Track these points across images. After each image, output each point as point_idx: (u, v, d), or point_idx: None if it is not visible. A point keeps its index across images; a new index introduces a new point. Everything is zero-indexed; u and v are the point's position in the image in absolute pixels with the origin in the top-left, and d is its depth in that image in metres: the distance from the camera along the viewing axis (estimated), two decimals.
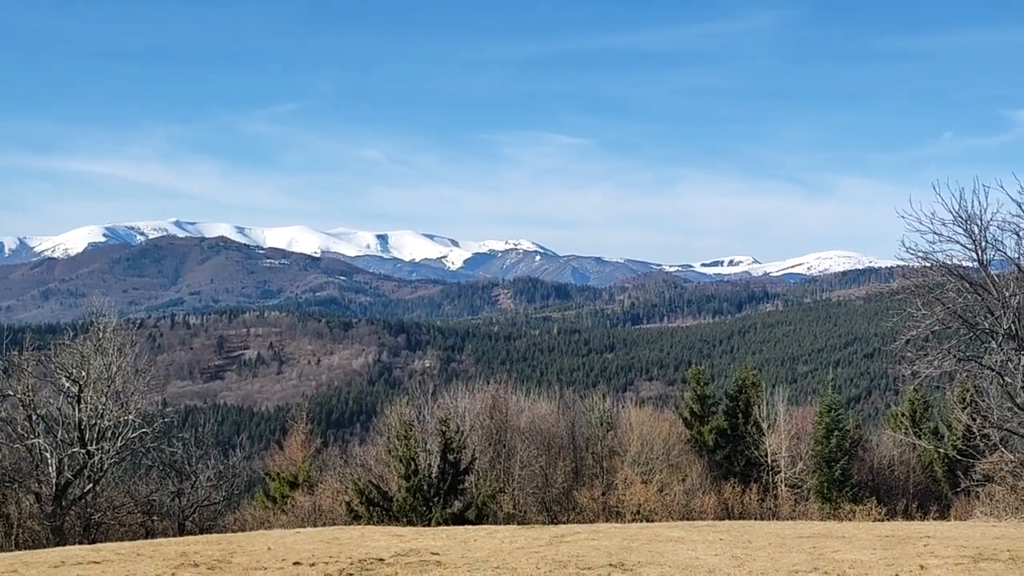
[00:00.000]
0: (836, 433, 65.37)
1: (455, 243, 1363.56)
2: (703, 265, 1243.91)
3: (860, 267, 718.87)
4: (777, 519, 52.63)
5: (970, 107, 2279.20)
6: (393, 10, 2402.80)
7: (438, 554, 21.77)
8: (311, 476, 58.13)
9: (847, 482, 64.36)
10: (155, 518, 47.39)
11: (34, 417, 41.34)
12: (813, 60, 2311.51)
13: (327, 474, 58.17)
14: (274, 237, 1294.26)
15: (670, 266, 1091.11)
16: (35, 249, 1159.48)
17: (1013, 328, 30.98)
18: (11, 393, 41.53)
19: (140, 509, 46.40)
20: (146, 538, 37.41)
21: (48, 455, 40.59)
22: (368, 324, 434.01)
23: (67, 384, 41.48)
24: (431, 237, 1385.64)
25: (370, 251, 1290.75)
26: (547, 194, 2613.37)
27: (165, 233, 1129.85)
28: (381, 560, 21.00)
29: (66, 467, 41.07)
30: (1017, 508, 35.22)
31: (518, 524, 39.38)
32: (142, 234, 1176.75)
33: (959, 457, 49.83)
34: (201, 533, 42.00)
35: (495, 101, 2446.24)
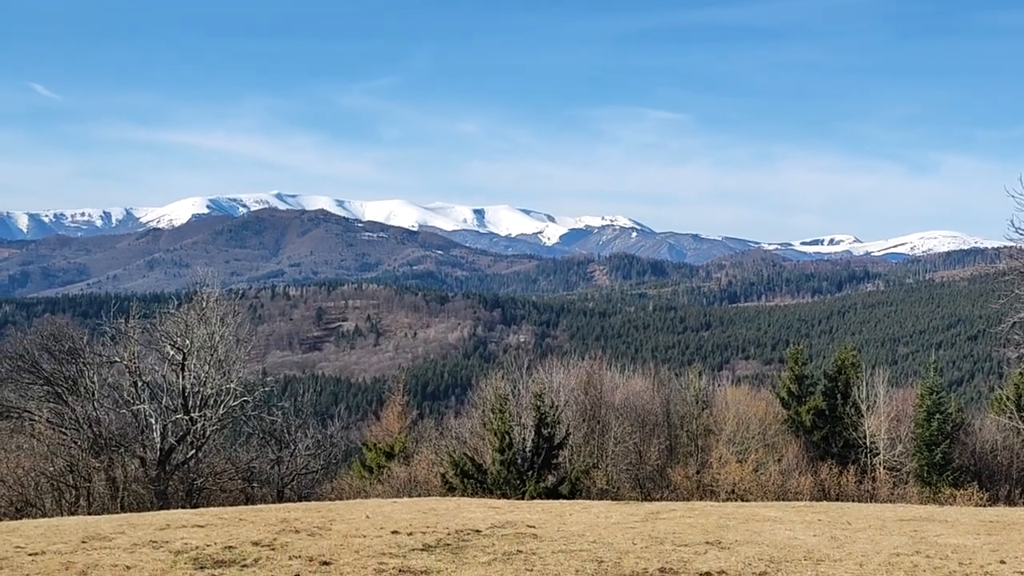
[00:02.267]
0: (937, 416, 64.09)
1: (551, 218, 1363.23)
2: (803, 243, 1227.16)
3: (965, 247, 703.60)
4: (875, 502, 51.86)
5: None
6: None
7: (534, 527, 21.86)
8: (407, 447, 58.72)
9: (948, 466, 63.11)
10: (255, 485, 48.29)
11: (139, 384, 42.40)
12: (917, 35, 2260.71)
13: (422, 446, 58.71)
14: (373, 210, 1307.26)
15: (769, 244, 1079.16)
16: (141, 220, 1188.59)
17: None
18: (118, 360, 42.66)
19: (240, 475, 47.31)
20: (246, 504, 38.19)
21: (153, 421, 41.62)
22: (464, 298, 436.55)
23: (171, 352, 42.43)
24: (527, 212, 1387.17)
25: (467, 225, 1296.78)
26: (643, 170, 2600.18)
27: (266, 205, 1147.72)
28: (478, 531, 21.16)
29: (170, 433, 42.09)
30: None
31: (612, 500, 39.36)
32: (244, 206, 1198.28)
33: None
34: (299, 500, 42.73)
35: (592, 76, 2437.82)
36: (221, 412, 42.99)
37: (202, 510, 27.57)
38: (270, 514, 24.33)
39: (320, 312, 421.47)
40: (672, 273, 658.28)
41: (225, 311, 44.21)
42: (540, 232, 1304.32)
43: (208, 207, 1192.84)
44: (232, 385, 43.12)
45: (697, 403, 60.76)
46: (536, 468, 45.41)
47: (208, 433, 43.56)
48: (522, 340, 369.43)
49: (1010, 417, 62.51)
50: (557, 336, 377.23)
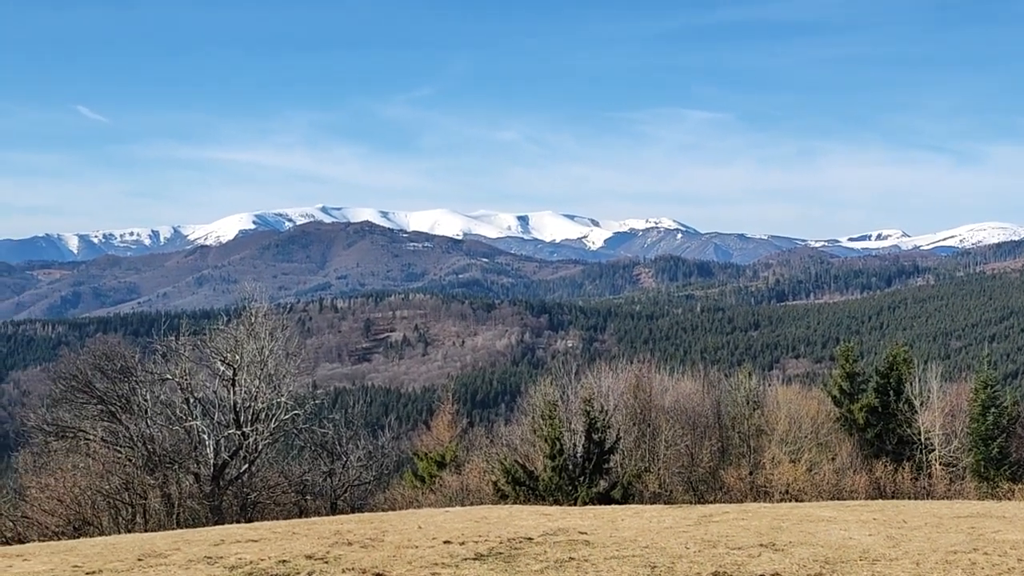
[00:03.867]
0: (993, 410, 63.31)
1: (595, 223, 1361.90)
2: (850, 239, 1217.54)
3: (1016, 238, 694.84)
4: (932, 498, 51.29)
5: None
6: None
7: (586, 533, 21.82)
8: (458, 456, 58.80)
9: (1005, 460, 62.30)
10: (308, 497, 48.52)
11: (191, 400, 42.78)
12: (959, 23, 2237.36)
13: (473, 454, 58.77)
14: (417, 220, 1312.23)
15: (815, 241, 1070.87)
16: (188, 237, 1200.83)
17: None
18: (170, 377, 43.08)
19: (294, 489, 47.56)
20: (300, 517, 38.40)
21: (206, 437, 41.96)
22: (510, 305, 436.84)
23: (222, 368, 42.77)
24: (571, 217, 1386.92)
25: (511, 232, 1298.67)
26: (686, 171, 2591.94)
27: (312, 219, 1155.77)
28: (530, 539, 21.15)
29: (223, 448, 42.40)
30: None
31: (664, 504, 39.21)
32: (290, 220, 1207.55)
33: None
34: (352, 512, 42.88)
35: (630, 78, 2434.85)
36: (273, 426, 43.27)
37: (256, 524, 27.76)
38: (323, 527, 24.45)
39: (368, 323, 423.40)
40: (718, 273, 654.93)
41: (274, 325, 44.53)
42: (584, 237, 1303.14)
43: (254, 222, 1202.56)
44: (283, 399, 43.40)
45: (748, 404, 60.35)
46: (587, 473, 45.34)
47: (260, 447, 43.84)
48: (570, 345, 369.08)
49: None
50: (605, 340, 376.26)
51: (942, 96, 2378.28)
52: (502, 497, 44.80)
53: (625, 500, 43.41)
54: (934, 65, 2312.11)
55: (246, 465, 43.22)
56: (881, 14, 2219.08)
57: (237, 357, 42.58)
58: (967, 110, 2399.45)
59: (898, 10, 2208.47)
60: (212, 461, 41.78)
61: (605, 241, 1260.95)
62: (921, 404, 63.68)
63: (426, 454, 60.36)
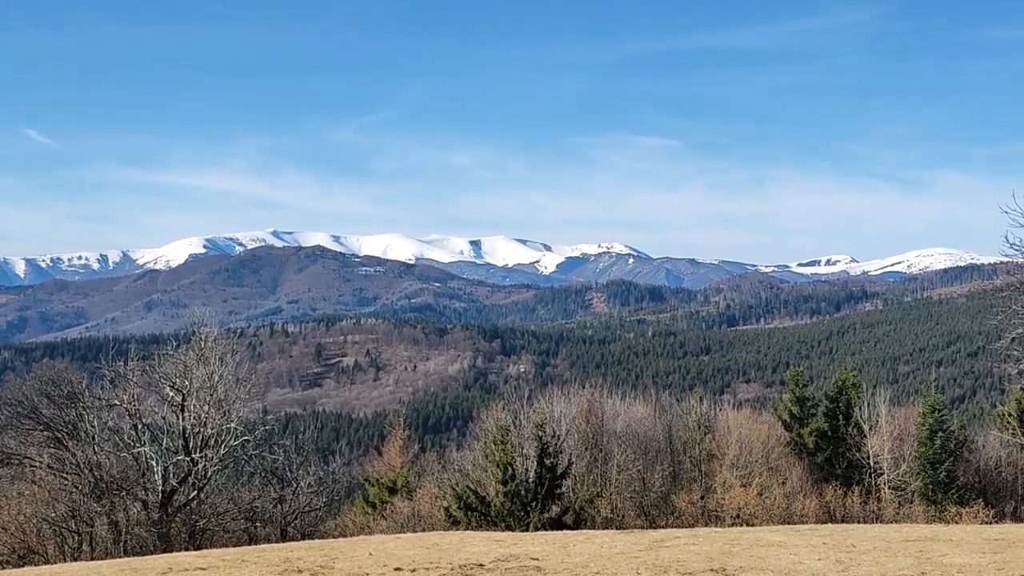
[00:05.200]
0: (940, 434, 63.99)
1: (547, 247, 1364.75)
2: (799, 265, 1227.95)
3: (962, 264, 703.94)
4: (881, 522, 51.69)
5: None
6: (479, 16, 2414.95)
7: (538, 559, 21.76)
8: (409, 481, 58.54)
9: (953, 484, 62.94)
10: (258, 524, 48.12)
11: (140, 426, 42.32)
12: (908, 54, 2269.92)
13: (425, 479, 58.53)
14: (369, 245, 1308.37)
15: (766, 267, 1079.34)
16: (138, 261, 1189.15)
17: None
18: (118, 403, 42.59)
19: (243, 515, 47.14)
20: (250, 544, 38.02)
21: (154, 463, 41.49)
22: (463, 330, 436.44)
23: (171, 393, 42.36)
24: (523, 242, 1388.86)
25: (463, 257, 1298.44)
26: (638, 197, 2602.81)
27: (263, 243, 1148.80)
28: (481, 565, 21.06)
29: (171, 474, 41.94)
30: None
31: (616, 529, 39.20)
32: (241, 244, 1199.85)
33: None
34: (303, 539, 42.55)
35: (583, 105, 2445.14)
36: (222, 452, 42.87)
37: (205, 552, 27.44)
38: (273, 554, 24.21)
39: (319, 348, 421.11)
40: (670, 298, 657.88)
41: (224, 350, 44.16)
42: (537, 261, 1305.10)
43: (205, 247, 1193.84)
44: (233, 424, 43.02)
45: (699, 428, 60.56)
46: (540, 499, 45.23)
47: (210, 474, 43.42)
48: (522, 370, 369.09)
49: (1013, 433, 62.36)
50: (557, 365, 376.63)
51: (890, 125, 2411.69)
52: (454, 523, 44.60)
53: (577, 525, 43.35)
54: (882, 94, 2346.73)
55: (195, 492, 42.77)
56: (831, 44, 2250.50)
57: (186, 382, 42.20)
58: (914, 139, 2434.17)
59: (848, 41, 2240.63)
60: (160, 488, 41.30)
61: (557, 266, 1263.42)
62: (870, 428, 64.22)
63: (377, 480, 60.03)
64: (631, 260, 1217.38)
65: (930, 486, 62.57)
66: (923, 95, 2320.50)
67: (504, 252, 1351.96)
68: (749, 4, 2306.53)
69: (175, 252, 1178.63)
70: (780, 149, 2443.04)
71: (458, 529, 40.93)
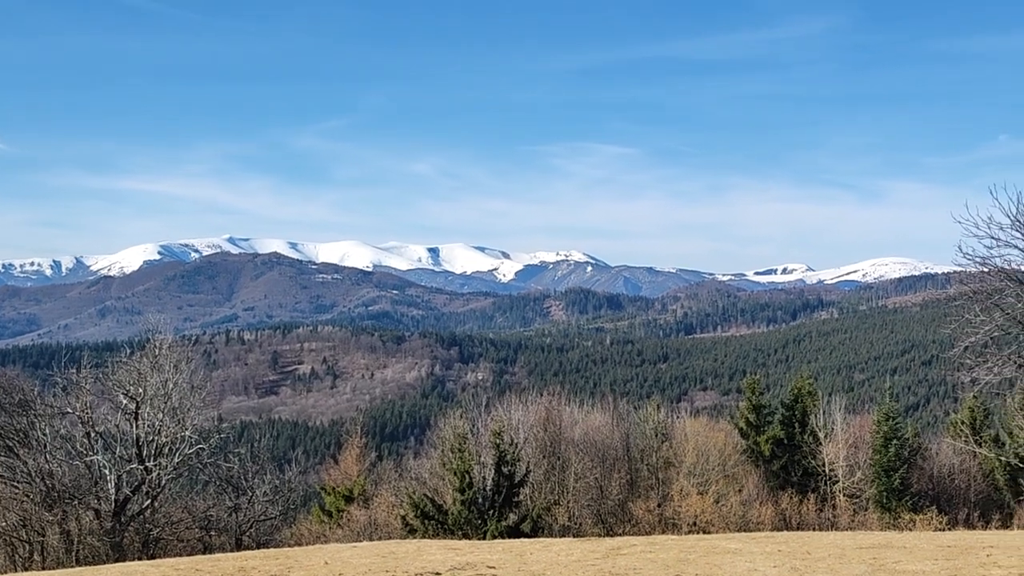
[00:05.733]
0: (895, 442, 64.57)
1: (506, 255, 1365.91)
2: (756, 273, 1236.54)
3: (916, 273, 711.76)
4: (836, 529, 52.02)
5: None
6: (439, 23, 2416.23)
7: (494, 567, 21.70)
8: (366, 490, 58.24)
9: (907, 491, 63.52)
10: (212, 533, 47.73)
11: (93, 434, 41.83)
12: (864, 65, 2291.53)
13: (382, 488, 58.27)
14: (326, 252, 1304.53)
15: (723, 275, 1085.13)
16: (91, 268, 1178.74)
17: None
18: (70, 410, 42.09)
19: (198, 524, 46.76)
20: (204, 553, 37.70)
21: (107, 472, 41.04)
22: (421, 337, 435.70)
23: (125, 401, 41.93)
24: (482, 250, 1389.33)
25: (422, 264, 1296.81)
26: (597, 205, 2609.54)
27: (219, 250, 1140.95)
28: (438, 574, 20.98)
29: (125, 483, 41.50)
30: None
31: (573, 537, 39.22)
32: (196, 251, 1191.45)
33: (1021, 465, 49.07)
34: (258, 548, 42.26)
35: (542, 112, 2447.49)
36: (176, 460, 42.47)
37: (158, 561, 27.15)
38: (227, 563, 23.99)
39: (275, 356, 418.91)
40: (628, 306, 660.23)
41: (179, 358, 43.80)
42: (495, 269, 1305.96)
43: (160, 253, 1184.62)
44: (187, 433, 42.62)
45: (656, 436, 60.71)
46: (497, 507, 45.17)
47: (163, 482, 43.02)
48: (480, 378, 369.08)
49: (966, 441, 63.05)
50: (515, 373, 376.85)
51: (847, 135, 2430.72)
52: (411, 531, 44.44)
53: (534, 533, 43.34)
54: (839, 104, 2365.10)
55: (149, 500, 42.34)
56: (789, 54, 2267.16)
57: (140, 390, 41.79)
58: (870, 149, 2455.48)
59: (805, 51, 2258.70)
60: (113, 496, 40.86)
61: (516, 274, 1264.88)
62: (825, 436, 64.70)
63: (334, 488, 59.68)
64: (589, 268, 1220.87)
65: (884, 493, 63.11)
66: (879, 105, 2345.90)
67: (463, 260, 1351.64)
68: (708, 14, 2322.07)
69: (130, 258, 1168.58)
70: (738, 158, 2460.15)
71: (415, 538, 40.77)
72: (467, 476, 44.90)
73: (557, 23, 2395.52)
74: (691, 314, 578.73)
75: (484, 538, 39.81)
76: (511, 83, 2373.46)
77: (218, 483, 50.25)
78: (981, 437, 67.51)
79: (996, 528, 53.77)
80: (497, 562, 22.63)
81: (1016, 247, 31.05)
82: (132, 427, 41.85)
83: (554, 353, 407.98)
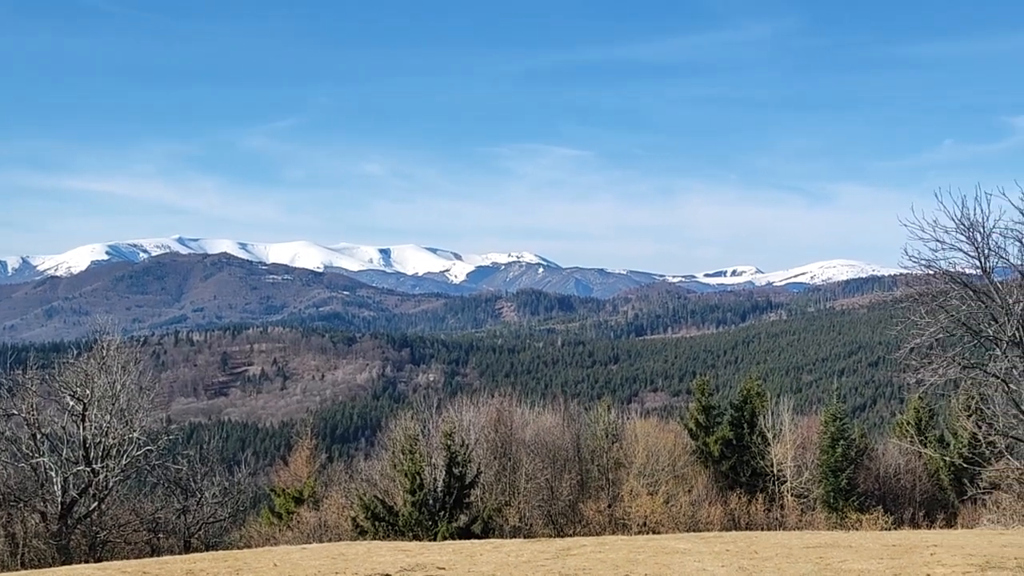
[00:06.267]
0: (842, 442, 65.30)
1: (458, 256, 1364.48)
2: (706, 275, 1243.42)
3: (863, 276, 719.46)
4: (784, 529, 52.51)
5: (970, 114, 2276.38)
6: (390, 24, 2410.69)
7: (444, 568, 21.71)
8: (316, 492, 58.03)
9: (853, 491, 64.24)
10: (161, 536, 47.34)
11: (39, 436, 41.33)
12: (812, 69, 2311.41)
13: (332, 489, 58.07)
14: (277, 252, 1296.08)
15: (673, 277, 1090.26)
16: (38, 268, 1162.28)
17: (1017, 335, 30.94)
18: (16, 412, 41.55)
19: (146, 527, 46.36)
20: (152, 556, 37.37)
21: (53, 474, 40.58)
22: (372, 339, 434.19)
23: (71, 403, 41.48)
24: (434, 251, 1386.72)
25: (373, 265, 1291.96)
26: (549, 206, 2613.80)
27: (168, 250, 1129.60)
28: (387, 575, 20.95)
29: (71, 485, 41.04)
30: None
31: (524, 538, 39.28)
32: (145, 251, 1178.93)
33: (965, 465, 49.76)
34: (207, 550, 41.92)
35: (495, 114, 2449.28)
36: (124, 462, 42.09)
37: (105, 564, 26.89)
38: (175, 566, 23.81)
39: (225, 357, 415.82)
40: (579, 307, 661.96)
41: (127, 359, 43.40)
42: (447, 270, 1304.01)
43: (107, 253, 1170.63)
44: (135, 434, 42.25)
45: (607, 437, 61.01)
46: (448, 508, 45.19)
47: (111, 484, 42.61)
48: (431, 379, 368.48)
49: (911, 441, 63.84)
50: (467, 374, 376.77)
51: (795, 138, 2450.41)
52: (361, 533, 44.35)
53: (485, 534, 43.38)
54: (787, 108, 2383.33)
55: (96, 503, 41.91)
56: (739, 57, 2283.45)
57: (87, 391, 41.37)
58: (818, 152, 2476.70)
59: (755, 54, 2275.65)
60: (60, 499, 40.41)
61: (468, 275, 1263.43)
62: (774, 437, 65.29)
63: (284, 490, 59.42)
64: (541, 270, 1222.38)
65: (831, 493, 63.81)
66: (827, 109, 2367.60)
67: (414, 261, 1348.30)
68: (659, 17, 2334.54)
69: (77, 258, 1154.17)
70: (689, 161, 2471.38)
71: (365, 539, 40.67)
72: (418, 477, 44.89)
73: (508, 25, 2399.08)
74: (642, 315, 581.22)
75: (435, 539, 39.80)
76: (463, 84, 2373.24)
77: (166, 485, 49.86)
78: (926, 437, 68.42)
79: (940, 527, 54.58)
80: (447, 563, 22.65)
81: (960, 250, 31.57)
82: (79, 429, 41.40)
83: (505, 354, 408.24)
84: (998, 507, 43.97)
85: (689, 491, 58.12)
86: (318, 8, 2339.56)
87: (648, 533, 45.73)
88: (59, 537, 39.44)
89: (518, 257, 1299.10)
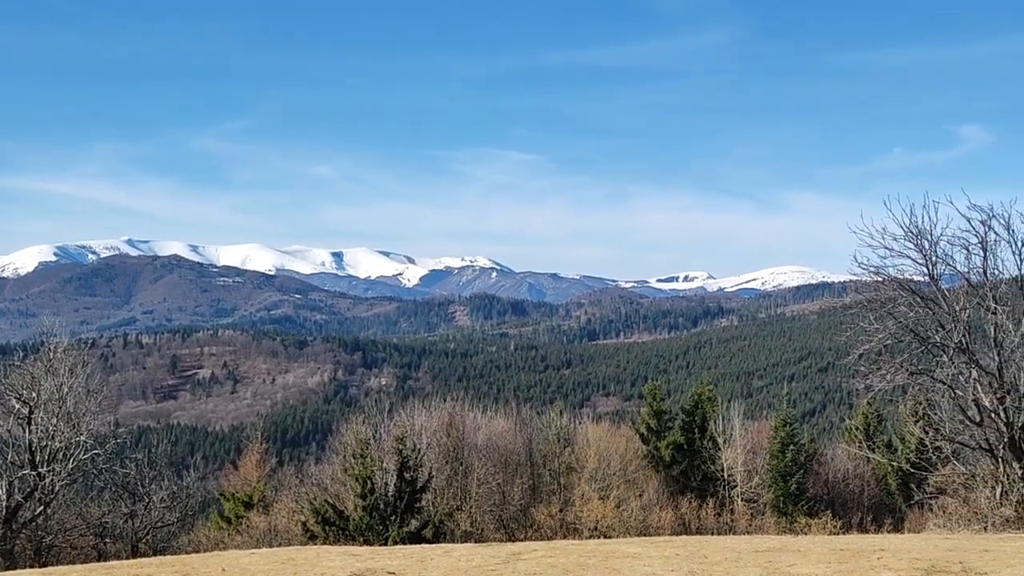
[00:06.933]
0: (791, 447, 65.78)
1: (411, 260, 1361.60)
2: (659, 281, 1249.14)
3: (814, 282, 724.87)
4: (734, 533, 52.79)
5: (919, 122, 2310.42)
6: (344, 27, 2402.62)
7: (394, 573, 21.62)
8: (266, 496, 57.66)
9: (802, 496, 64.73)
10: (108, 540, 46.85)
11: None
12: (763, 76, 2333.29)
13: (282, 494, 57.72)
14: (228, 255, 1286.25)
15: (626, 282, 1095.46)
16: None
17: (963, 342, 31.35)
18: None
19: (92, 531, 45.86)
20: (98, 560, 36.97)
21: None
22: (323, 342, 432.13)
23: (17, 405, 40.90)
24: (387, 254, 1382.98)
25: (325, 268, 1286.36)
26: (502, 211, 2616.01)
27: (117, 252, 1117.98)
28: None
29: (16, 489, 40.48)
30: (969, 520, 35.57)
31: (475, 542, 39.25)
32: (94, 253, 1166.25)
33: (912, 470, 50.25)
34: (155, 555, 41.52)
35: (448, 118, 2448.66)
36: (71, 466, 41.56)
37: (50, 569, 26.53)
38: (122, 570, 23.54)
39: (175, 360, 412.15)
40: (532, 312, 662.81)
41: (74, 361, 42.86)
42: (400, 274, 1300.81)
43: (56, 254, 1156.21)
44: (82, 438, 41.73)
45: (559, 441, 61.08)
46: (399, 513, 45.03)
47: (57, 488, 42.05)
48: (384, 383, 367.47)
49: (860, 446, 64.51)
50: (419, 378, 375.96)
51: (748, 144, 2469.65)
52: (311, 538, 44.08)
53: (436, 539, 43.27)
54: (740, 114, 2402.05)
55: (41, 507, 41.36)
56: (691, 64, 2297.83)
57: (33, 394, 40.80)
58: (769, 158, 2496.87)
59: (707, 61, 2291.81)
60: (4, 503, 39.82)
61: (421, 279, 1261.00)
62: (724, 441, 65.65)
63: (233, 494, 58.96)
64: (494, 274, 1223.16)
65: (781, 498, 64.25)
66: (778, 116, 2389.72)
67: (367, 264, 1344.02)
68: (611, 23, 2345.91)
69: (24, 259, 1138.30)
70: (642, 166, 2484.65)
71: (315, 544, 40.44)
72: (369, 482, 44.71)
73: (461, 29, 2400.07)
74: (594, 320, 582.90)
75: (385, 544, 39.65)
76: (417, 88, 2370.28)
77: (114, 489, 49.36)
78: (874, 443, 69.12)
79: (888, 531, 54.98)
80: (397, 567, 22.55)
81: (909, 257, 31.96)
82: (25, 432, 40.83)
83: (458, 359, 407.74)
84: (944, 512, 44.36)
85: (640, 495, 58.30)
86: (271, 9, 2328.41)
87: (599, 537, 45.80)
88: (4, 542, 38.88)
89: (471, 261, 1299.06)
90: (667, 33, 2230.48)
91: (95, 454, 42.66)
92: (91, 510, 48.14)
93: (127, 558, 40.45)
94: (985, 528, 31.88)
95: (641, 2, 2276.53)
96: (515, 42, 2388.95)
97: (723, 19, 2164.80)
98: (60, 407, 41.29)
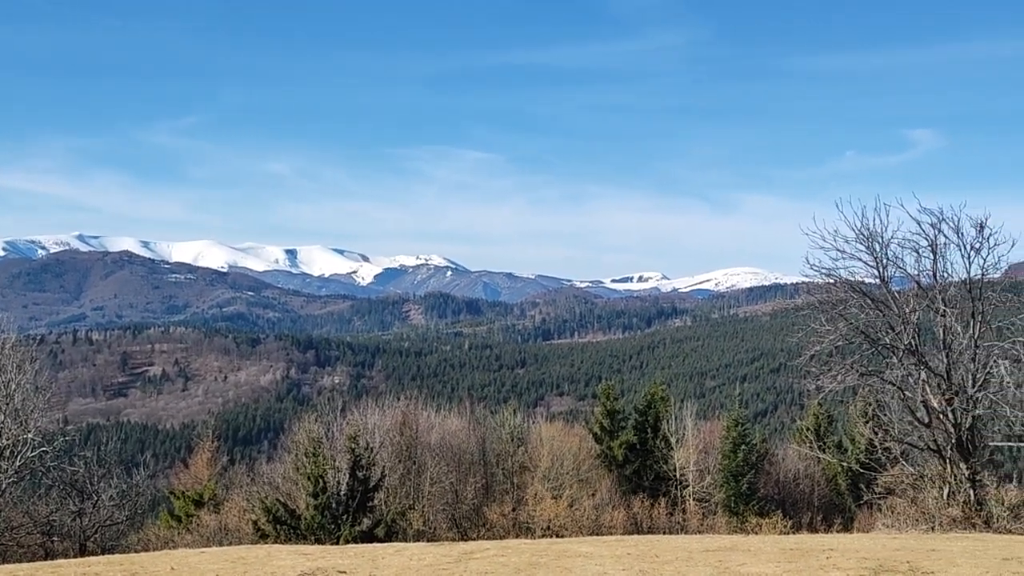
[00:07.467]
0: (743, 447, 66.21)
1: (365, 258, 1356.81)
2: (613, 281, 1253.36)
3: (766, 283, 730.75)
4: (685, 533, 53.03)
5: (871, 126, 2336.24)
6: (300, 23, 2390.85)
7: (345, 572, 21.53)
8: (217, 494, 57.22)
9: (754, 496, 65.17)
10: (55, 539, 46.34)
11: None
12: (719, 78, 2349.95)
13: (233, 492, 57.30)
14: (180, 252, 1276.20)
15: (580, 282, 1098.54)
16: None
17: (913, 344, 31.67)
18: None
19: (39, 530, 45.34)
20: (46, 559, 36.51)
21: None
22: (276, 340, 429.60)
23: None
24: (341, 252, 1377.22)
25: (279, 266, 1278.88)
26: (458, 210, 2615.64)
27: (67, 247, 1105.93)
28: None
29: None
30: (917, 520, 35.95)
31: (427, 541, 39.15)
32: (43, 248, 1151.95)
33: (862, 470, 50.75)
34: (103, 554, 41.10)
35: (405, 116, 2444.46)
36: (18, 464, 41.08)
37: None
38: (69, 570, 23.27)
39: (125, 357, 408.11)
40: (487, 311, 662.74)
41: (22, 358, 42.39)
42: (354, 272, 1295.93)
43: (4, 249, 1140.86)
44: (30, 435, 41.28)
45: (512, 441, 61.11)
46: (351, 512, 44.83)
47: (4, 487, 41.55)
48: (337, 382, 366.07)
49: (810, 447, 65.07)
50: (373, 377, 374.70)
51: (703, 146, 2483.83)
52: (262, 536, 43.79)
53: (389, 538, 43.12)
54: (696, 116, 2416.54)
55: None
56: (647, 66, 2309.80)
57: None
58: (724, 160, 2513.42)
59: (663, 63, 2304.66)
60: None
61: (375, 277, 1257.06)
62: (677, 441, 65.94)
63: (183, 493, 58.46)
64: (449, 273, 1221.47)
65: (732, 497, 64.65)
66: (733, 119, 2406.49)
67: (321, 262, 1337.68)
68: (570, 24, 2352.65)
69: None
70: (597, 167, 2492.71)
71: (266, 543, 40.18)
72: (321, 480, 44.47)
73: (418, 26, 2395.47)
74: (549, 320, 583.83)
75: (337, 543, 39.46)
76: (373, 87, 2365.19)
77: (62, 487, 48.84)
78: (825, 443, 69.74)
79: (837, 531, 55.43)
80: (348, 567, 22.45)
81: (860, 260, 32.26)
82: None
83: (412, 357, 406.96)
84: (892, 512, 44.79)
85: (593, 495, 58.43)
86: (225, 5, 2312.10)
87: (551, 537, 45.85)
88: None
89: (426, 260, 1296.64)
90: (624, 35, 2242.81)
91: (43, 451, 42.23)
92: (39, 508, 47.61)
93: (75, 557, 40.00)
94: (932, 528, 32.22)
95: (598, 4, 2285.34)
96: (473, 41, 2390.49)
97: (679, 22, 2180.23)
98: (7, 404, 40.83)
